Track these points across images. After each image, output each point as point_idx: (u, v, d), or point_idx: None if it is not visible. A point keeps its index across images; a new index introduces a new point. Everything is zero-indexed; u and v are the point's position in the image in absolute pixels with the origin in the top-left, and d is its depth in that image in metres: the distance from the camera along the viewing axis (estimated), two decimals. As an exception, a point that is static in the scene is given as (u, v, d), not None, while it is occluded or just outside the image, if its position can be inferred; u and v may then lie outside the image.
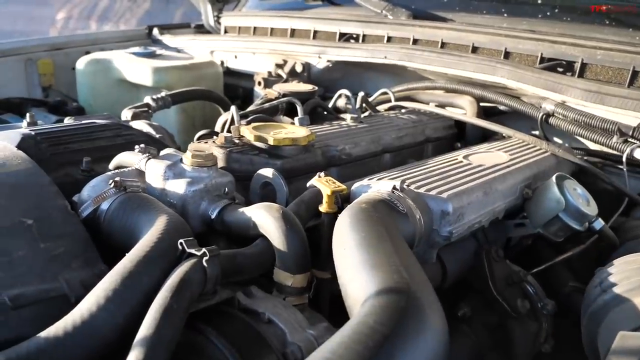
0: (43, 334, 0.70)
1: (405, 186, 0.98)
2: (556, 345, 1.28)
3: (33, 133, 1.18)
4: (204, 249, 0.79)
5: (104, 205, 0.93)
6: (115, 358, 0.72)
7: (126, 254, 0.80)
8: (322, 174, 1.05)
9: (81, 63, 2.35)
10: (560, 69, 1.75)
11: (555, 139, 1.74)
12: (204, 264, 0.78)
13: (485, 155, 1.35)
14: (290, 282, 0.89)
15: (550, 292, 1.26)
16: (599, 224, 1.22)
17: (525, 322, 1.23)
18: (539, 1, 2.05)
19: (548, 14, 2.01)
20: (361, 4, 2.34)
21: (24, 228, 0.84)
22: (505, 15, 2.09)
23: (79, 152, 1.20)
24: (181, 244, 0.80)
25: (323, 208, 0.99)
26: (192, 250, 0.79)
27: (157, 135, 1.41)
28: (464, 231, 1.06)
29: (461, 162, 1.27)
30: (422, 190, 1.04)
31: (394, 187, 0.97)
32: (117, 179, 0.95)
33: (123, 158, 1.11)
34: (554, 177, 1.22)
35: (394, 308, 0.61)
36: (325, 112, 1.77)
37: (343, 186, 1.00)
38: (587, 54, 1.69)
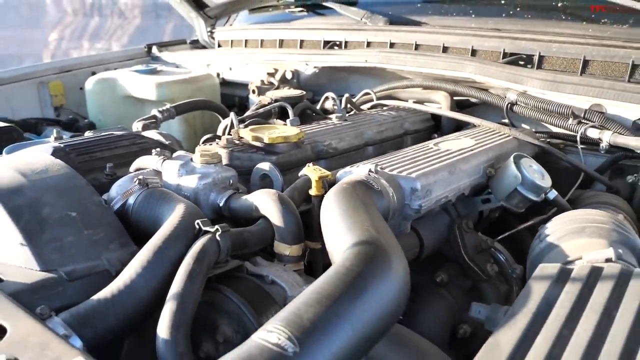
0: (94, 297, 0.90)
1: (379, 169, 1.18)
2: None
3: (62, 145, 1.38)
4: (217, 226, 0.98)
5: (131, 200, 1.13)
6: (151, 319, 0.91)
7: (154, 235, 1.00)
8: (310, 164, 1.24)
9: (89, 83, 2.56)
10: (521, 62, 1.95)
11: (523, 125, 1.93)
12: (218, 238, 0.97)
13: (454, 142, 1.55)
14: (288, 251, 1.08)
15: (519, 258, 1.45)
16: (553, 194, 1.41)
17: (496, 284, 1.43)
18: (502, 2, 2.26)
19: (511, 12, 2.21)
20: (342, 12, 2.56)
21: (70, 219, 1.03)
22: (472, 16, 2.29)
23: (101, 159, 1.40)
24: (198, 224, 1.00)
25: (313, 192, 1.18)
26: (207, 228, 0.99)
27: (167, 142, 1.60)
28: (433, 205, 1.25)
29: (431, 148, 1.47)
30: (395, 172, 1.23)
31: (370, 170, 1.17)
32: (141, 177, 1.14)
33: (142, 161, 1.31)
34: (512, 157, 1.41)
35: (364, 253, 0.80)
36: (313, 114, 1.97)
37: (328, 172, 1.20)
38: (543, 48, 1.89)
